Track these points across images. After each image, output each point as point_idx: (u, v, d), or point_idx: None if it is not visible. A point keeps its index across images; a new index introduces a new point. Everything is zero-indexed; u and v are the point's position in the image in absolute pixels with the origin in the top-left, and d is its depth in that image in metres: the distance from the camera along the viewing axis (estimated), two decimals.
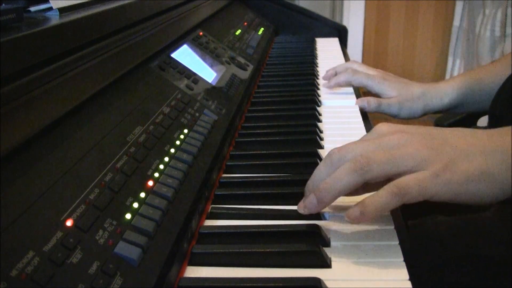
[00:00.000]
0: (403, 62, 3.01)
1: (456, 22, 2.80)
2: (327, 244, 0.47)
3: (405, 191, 0.42)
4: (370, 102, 0.86)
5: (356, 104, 0.87)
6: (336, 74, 0.98)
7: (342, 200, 0.51)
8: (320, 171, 0.48)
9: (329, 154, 0.48)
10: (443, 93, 0.86)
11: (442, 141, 0.45)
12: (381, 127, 0.50)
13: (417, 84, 0.89)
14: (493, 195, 0.43)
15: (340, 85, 0.95)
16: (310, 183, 0.50)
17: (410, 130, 0.48)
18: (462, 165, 0.43)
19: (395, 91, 0.88)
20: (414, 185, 0.42)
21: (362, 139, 0.50)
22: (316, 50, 1.33)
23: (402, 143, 0.45)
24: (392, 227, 0.49)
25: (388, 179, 0.44)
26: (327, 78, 1.00)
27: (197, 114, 0.67)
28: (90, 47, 0.56)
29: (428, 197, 0.43)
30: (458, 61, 2.79)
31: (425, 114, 0.88)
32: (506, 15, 2.26)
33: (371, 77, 0.90)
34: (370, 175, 0.44)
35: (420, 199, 0.43)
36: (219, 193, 0.58)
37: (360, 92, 0.96)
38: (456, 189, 0.43)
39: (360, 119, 0.82)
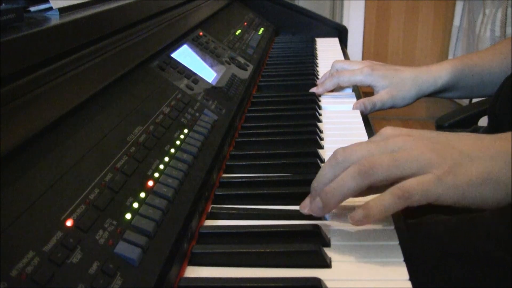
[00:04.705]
0: (403, 62, 3.01)
1: (456, 22, 2.80)
2: (327, 244, 0.47)
3: (409, 194, 0.42)
4: (366, 105, 0.86)
5: (353, 109, 0.87)
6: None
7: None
8: (324, 171, 0.48)
9: (334, 154, 0.48)
10: (437, 75, 0.86)
11: (447, 144, 0.45)
12: (386, 130, 0.50)
13: (407, 69, 0.88)
14: (497, 199, 0.43)
15: (327, 90, 0.93)
16: (315, 183, 0.50)
17: (414, 133, 0.48)
18: (466, 169, 0.43)
19: (386, 81, 0.87)
20: (418, 188, 0.42)
21: (367, 141, 0.50)
22: (316, 50, 1.33)
23: (406, 146, 0.45)
24: (392, 227, 0.49)
25: (393, 182, 0.44)
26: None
27: (197, 114, 0.67)
28: (90, 47, 0.56)
29: (431, 200, 0.43)
30: None
31: (418, 98, 0.88)
32: (506, 15, 2.26)
33: (357, 72, 0.89)
34: (374, 178, 0.44)
35: (423, 202, 0.43)
36: (219, 193, 0.58)
37: (360, 92, 0.96)
38: (460, 193, 0.42)
39: (360, 119, 0.82)
